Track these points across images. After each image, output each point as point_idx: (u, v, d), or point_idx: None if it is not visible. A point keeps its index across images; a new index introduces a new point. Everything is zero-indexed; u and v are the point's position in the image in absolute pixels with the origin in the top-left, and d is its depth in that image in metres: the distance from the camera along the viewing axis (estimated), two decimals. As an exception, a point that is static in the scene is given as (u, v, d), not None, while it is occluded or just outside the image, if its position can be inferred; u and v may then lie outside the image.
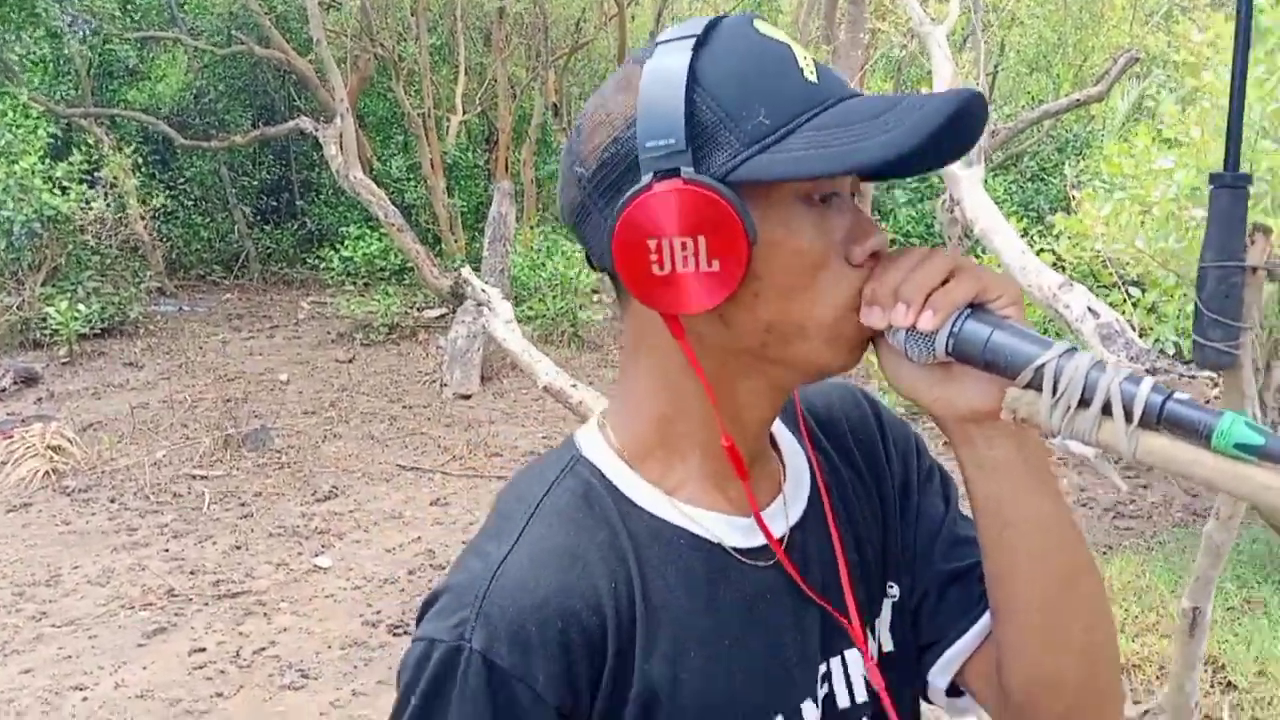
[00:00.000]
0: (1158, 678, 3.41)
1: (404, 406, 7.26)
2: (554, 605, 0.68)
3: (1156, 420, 0.62)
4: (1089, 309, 2.18)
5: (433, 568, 4.66)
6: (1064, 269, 3.75)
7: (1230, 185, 1.20)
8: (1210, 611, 1.67)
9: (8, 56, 10.05)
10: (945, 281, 0.69)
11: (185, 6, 11.54)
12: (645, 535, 0.74)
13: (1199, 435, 0.61)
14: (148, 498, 5.58)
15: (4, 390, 7.41)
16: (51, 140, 8.90)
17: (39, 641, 4.03)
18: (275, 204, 12.65)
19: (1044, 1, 10.15)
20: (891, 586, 0.85)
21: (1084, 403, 0.65)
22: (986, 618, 0.80)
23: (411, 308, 9.58)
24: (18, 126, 8.55)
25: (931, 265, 0.69)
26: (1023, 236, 2.87)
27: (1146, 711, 3.19)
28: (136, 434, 6.62)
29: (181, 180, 11.77)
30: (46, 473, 5.84)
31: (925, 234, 9.50)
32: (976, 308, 0.69)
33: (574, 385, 3.12)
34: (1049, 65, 10.97)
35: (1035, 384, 0.66)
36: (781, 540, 0.78)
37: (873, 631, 0.83)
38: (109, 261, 9.36)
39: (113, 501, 5.55)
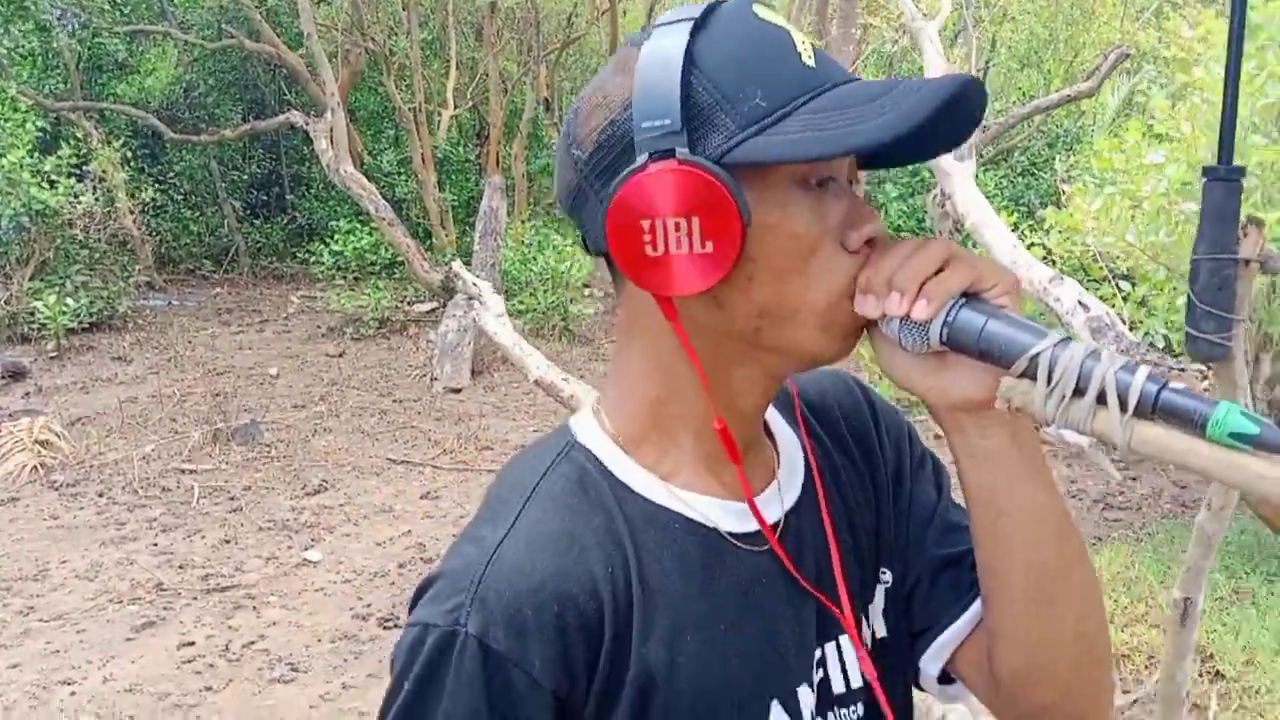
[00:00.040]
0: (1146, 667, 3.43)
1: (394, 400, 7.25)
2: (550, 589, 0.68)
3: (1151, 410, 0.62)
4: (1079, 302, 2.18)
5: (423, 561, 4.65)
6: (1054, 263, 3.76)
7: (1224, 178, 1.20)
8: (1201, 601, 1.68)
9: (-5, 49, 9.99)
10: (940, 270, 0.69)
11: (175, 0, 11.47)
12: (641, 520, 0.74)
13: (1194, 424, 0.61)
14: (136, 492, 5.56)
15: (-9, 384, 7.37)
16: (40, 134, 8.84)
17: (26, 636, 4.01)
18: (265, 198, 12.59)
19: (1035, -3, 10.17)
20: (884, 572, 0.85)
21: (1079, 392, 0.64)
22: (978, 605, 0.80)
23: (402, 302, 9.56)
24: (6, 120, 8.50)
25: (926, 253, 0.69)
26: (1013, 231, 2.87)
27: (1135, 701, 3.21)
28: (125, 428, 6.59)
29: (171, 174, 11.70)
30: (34, 467, 5.81)
31: (916, 228, 9.51)
32: (971, 297, 0.69)
33: (565, 379, 3.11)
34: (1040, 61, 10.99)
35: (1030, 373, 0.66)
36: (776, 526, 0.78)
37: (866, 617, 0.84)
38: (97, 255, 9.30)
39: (101, 496, 5.52)
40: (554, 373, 3.11)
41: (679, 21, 0.70)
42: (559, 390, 3.08)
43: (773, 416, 0.84)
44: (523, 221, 10.41)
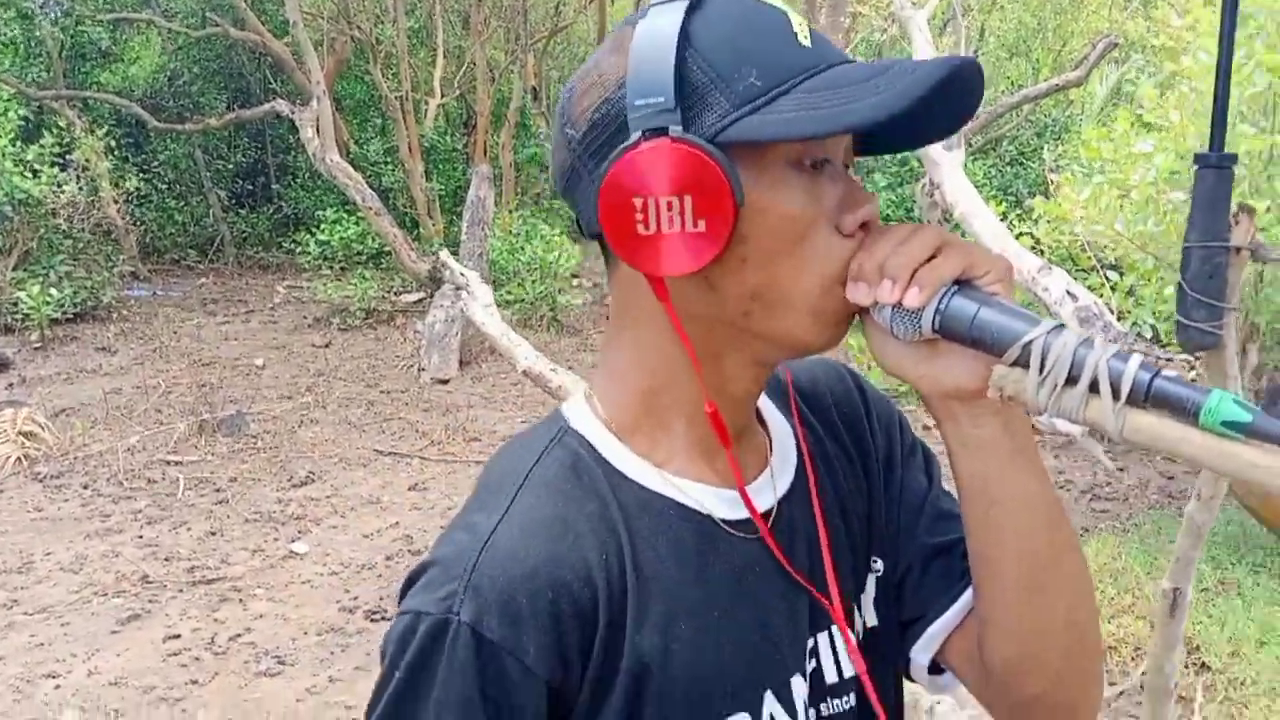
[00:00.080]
0: (1133, 659, 3.44)
1: (381, 391, 7.22)
2: (545, 576, 0.67)
3: (1144, 398, 0.62)
4: (1068, 292, 2.18)
5: (410, 553, 4.64)
6: (1042, 253, 3.77)
7: (1215, 165, 1.19)
8: (1190, 592, 1.68)
9: (-24, 36, 9.89)
10: (932, 257, 0.68)
11: (158, -13, 11.39)
12: (635, 506, 0.73)
13: (1187, 413, 0.60)
14: (121, 484, 5.52)
15: (-26, 375, 7.32)
16: (23, 123, 8.77)
17: (10, 629, 3.98)
18: (251, 187, 12.52)
19: (1023, -14, 10.18)
20: (876, 561, 0.85)
21: (1071, 380, 0.64)
22: (968, 594, 0.80)
23: (389, 292, 9.52)
24: (-12, 108, 8.43)
25: (918, 240, 0.68)
26: (1002, 220, 2.87)
27: (1122, 692, 3.22)
28: (110, 419, 6.55)
29: (155, 163, 11.63)
30: (18, 459, 5.77)
31: (905, 218, 9.53)
32: (963, 284, 0.68)
33: (553, 369, 3.10)
34: (1028, 50, 11.01)
35: (1022, 361, 0.66)
36: (769, 513, 0.78)
37: (858, 607, 0.83)
38: (81, 245, 9.24)
39: (86, 488, 5.49)
40: (542, 363, 3.10)
41: (675, 1, 0.69)
42: (547, 380, 3.06)
43: (765, 404, 0.84)
44: (510, 211, 10.38)
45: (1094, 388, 0.63)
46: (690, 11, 0.68)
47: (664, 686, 0.70)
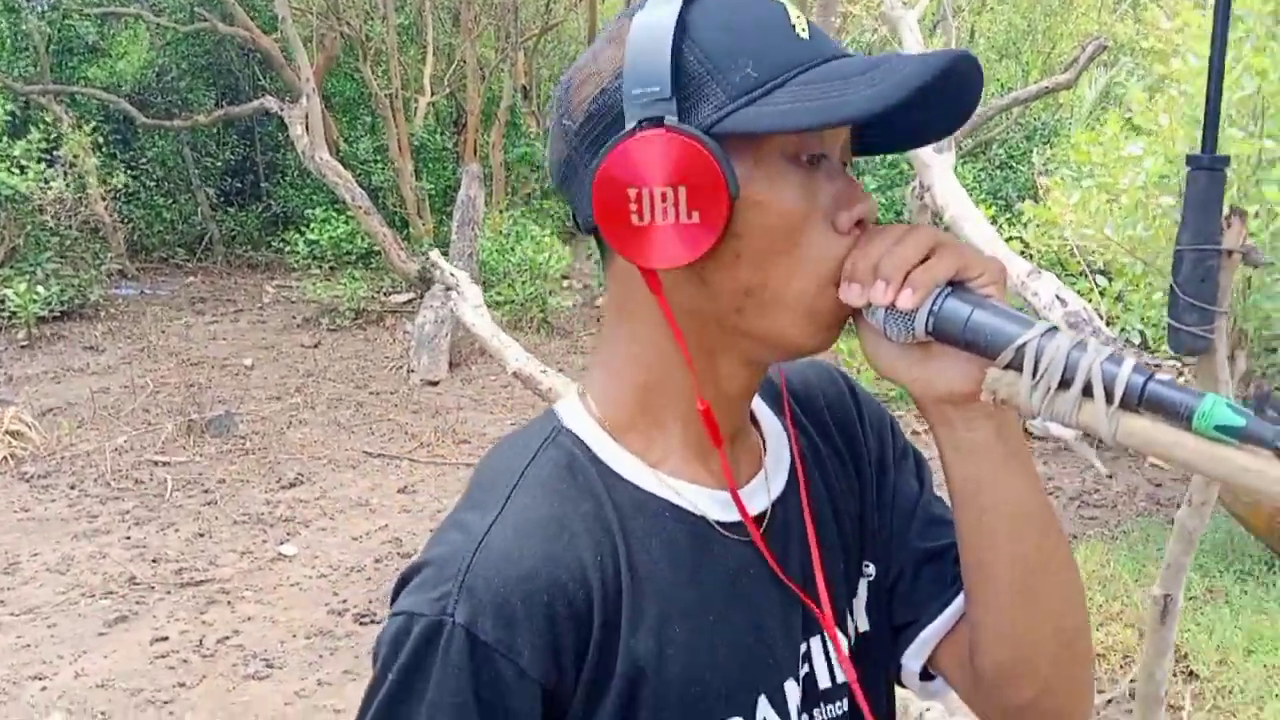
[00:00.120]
0: (1122, 666, 3.45)
1: (371, 393, 7.20)
2: (540, 577, 0.66)
3: (1138, 401, 0.62)
4: (1057, 297, 2.19)
5: (400, 556, 4.62)
6: (1031, 257, 3.77)
7: (1208, 167, 1.19)
8: (1181, 599, 1.68)
9: (-38, 32, 9.83)
10: (926, 258, 0.68)
11: (147, -17, 11.33)
12: (629, 507, 0.72)
13: (1180, 417, 0.60)
14: (109, 484, 5.49)
15: (-40, 374, 7.27)
16: (9, 118, 8.70)
17: (-4, 630, 3.96)
18: (239, 185, 12.46)
19: (1013, -11, 10.22)
20: (867, 566, 0.85)
21: (1065, 383, 0.64)
22: (960, 599, 0.80)
23: (378, 292, 9.49)
24: (-27, 104, 8.37)
25: (912, 241, 0.68)
26: (991, 224, 2.87)
27: (1110, 700, 3.23)
28: (97, 419, 6.51)
29: (143, 160, 11.56)
30: (5, 458, 5.73)
31: (895, 221, 9.53)
32: (957, 286, 0.68)
33: (544, 371, 3.09)
34: (1018, 52, 11.04)
35: (1016, 364, 0.65)
36: (763, 516, 0.77)
37: (850, 612, 0.83)
38: (69, 243, 9.18)
39: (73, 488, 5.46)
40: (533, 364, 3.09)
41: None
42: (537, 382, 3.06)
43: (759, 406, 0.84)
44: (501, 211, 10.36)
45: (1087, 391, 0.63)
46: (688, 3, 0.68)
47: (658, 690, 0.69)
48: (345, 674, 3.64)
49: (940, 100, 0.68)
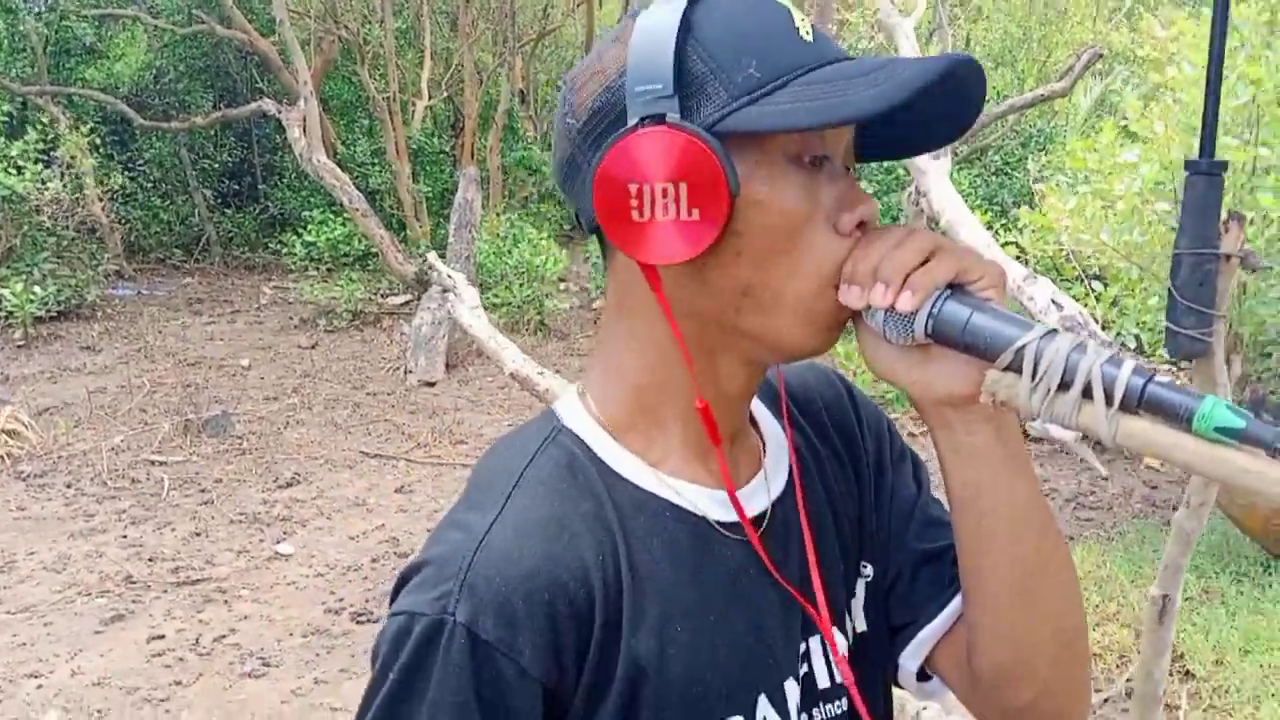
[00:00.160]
0: (1118, 666, 3.46)
1: (368, 393, 7.19)
2: (541, 576, 0.66)
3: (1137, 403, 0.62)
4: (1053, 301, 2.20)
5: (396, 555, 4.62)
6: (1027, 262, 3.79)
7: (1206, 172, 1.20)
8: (1179, 599, 1.69)
9: (-40, 32, 9.81)
10: (925, 261, 0.68)
11: (145, -16, 11.32)
12: (630, 506, 0.72)
13: (1180, 419, 0.61)
14: (105, 483, 5.48)
15: (-44, 373, 7.25)
16: (6, 119, 8.70)
17: (-8, 629, 3.95)
18: (237, 187, 12.45)
19: (1010, -4, 10.25)
20: (865, 566, 0.85)
21: (1064, 385, 0.64)
22: (958, 600, 0.80)
23: (375, 294, 9.49)
24: (-29, 105, 8.36)
25: (911, 244, 0.68)
26: (987, 229, 2.89)
27: (1107, 700, 3.24)
28: (94, 419, 6.50)
29: (140, 161, 11.55)
30: (1, 457, 5.72)
31: (891, 226, 9.53)
32: (956, 289, 0.68)
33: (541, 373, 3.10)
34: (1014, 60, 11.07)
35: (1015, 366, 0.66)
36: (763, 516, 0.78)
37: (848, 612, 0.83)
38: (65, 243, 9.16)
39: (69, 487, 5.45)
40: (529, 365, 3.10)
41: None
42: (534, 383, 3.07)
43: (758, 407, 0.84)
44: (498, 214, 10.37)
45: (1087, 393, 0.63)
46: (693, 3, 0.68)
47: (660, 690, 0.69)
48: (342, 673, 3.65)
49: (943, 105, 0.69)
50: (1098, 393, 0.63)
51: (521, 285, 8.63)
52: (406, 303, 9.13)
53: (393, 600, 0.70)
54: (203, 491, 5.40)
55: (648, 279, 0.71)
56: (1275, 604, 3.80)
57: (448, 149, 11.97)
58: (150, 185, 11.59)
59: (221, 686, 3.57)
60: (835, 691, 0.80)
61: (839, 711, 0.80)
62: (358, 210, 8.48)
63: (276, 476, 5.60)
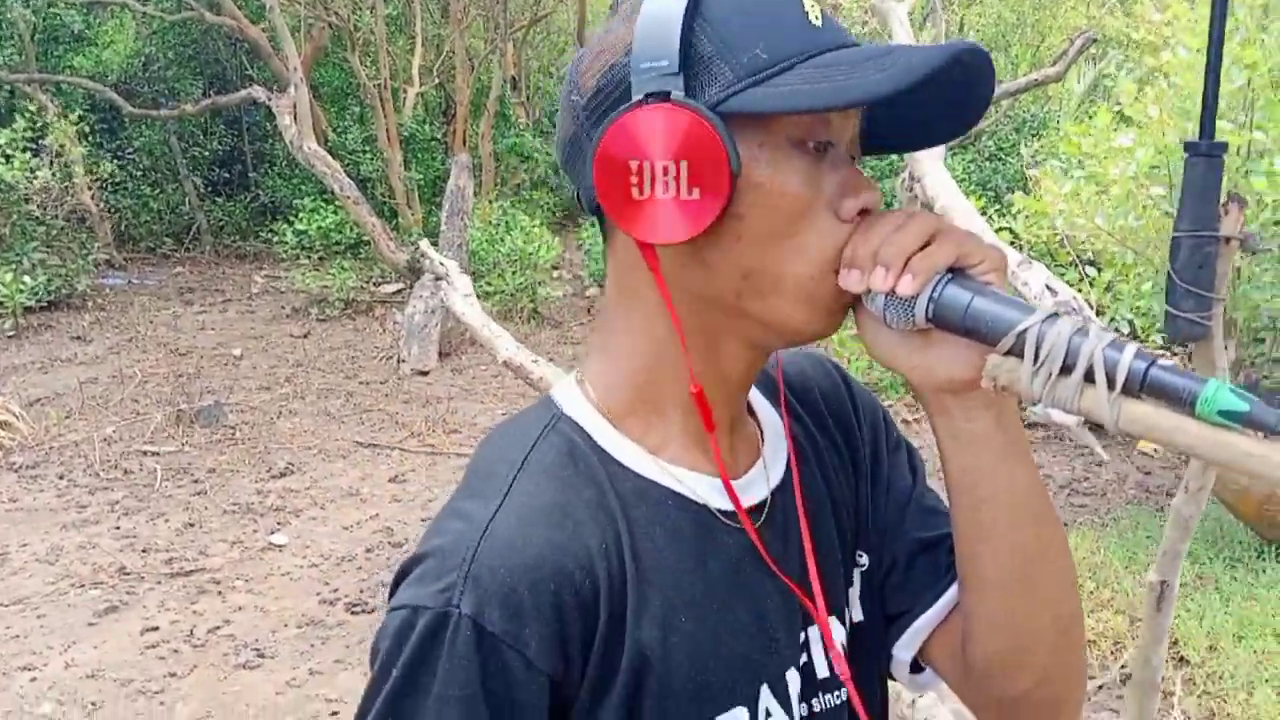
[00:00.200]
0: (1113, 653, 3.47)
1: (361, 382, 7.18)
2: (547, 565, 0.65)
3: (1140, 387, 0.61)
4: (1047, 287, 2.19)
5: (391, 545, 4.62)
6: (1021, 248, 3.78)
7: (1205, 154, 1.19)
8: (1177, 585, 1.69)
9: (-54, 20, 9.73)
10: (926, 245, 0.67)
11: (133, -29, 11.21)
12: (632, 495, 0.72)
13: (1182, 402, 0.60)
14: (97, 474, 5.47)
15: (-54, 364, 7.21)
16: (-6, 107, 8.65)
17: (-16, 621, 3.94)
18: (227, 175, 12.38)
19: (1003, -19, 10.22)
20: (861, 556, 0.84)
21: (1066, 369, 0.63)
22: (953, 590, 0.80)
23: (368, 282, 9.46)
24: (-42, 93, 8.31)
25: (912, 228, 0.68)
26: (981, 215, 2.88)
27: (1101, 686, 3.25)
28: (85, 409, 6.48)
29: (130, 149, 11.47)
30: (-9, 449, 5.71)
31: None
32: (957, 273, 0.68)
33: (535, 361, 3.08)
34: (1008, 45, 11.05)
35: (1016, 350, 0.65)
36: (763, 505, 0.77)
37: (846, 602, 0.83)
38: (55, 232, 9.11)
39: (61, 478, 5.43)
40: (523, 354, 3.09)
41: None
42: (528, 372, 3.05)
43: (755, 397, 0.83)
44: (490, 201, 10.33)
45: (1089, 377, 0.62)
46: None
47: (663, 680, 0.68)
48: (337, 663, 3.64)
49: (950, 94, 0.68)
50: (1100, 376, 0.62)
51: (514, 273, 8.61)
52: (399, 291, 9.10)
53: (392, 594, 0.68)
54: (196, 482, 5.38)
55: (646, 259, 0.70)
56: (1269, 589, 3.81)
57: (439, 136, 11.92)
58: (140, 174, 11.52)
59: (216, 678, 3.56)
60: (834, 681, 0.79)
61: (838, 701, 0.80)
62: (349, 198, 8.44)
63: (270, 466, 5.59)
